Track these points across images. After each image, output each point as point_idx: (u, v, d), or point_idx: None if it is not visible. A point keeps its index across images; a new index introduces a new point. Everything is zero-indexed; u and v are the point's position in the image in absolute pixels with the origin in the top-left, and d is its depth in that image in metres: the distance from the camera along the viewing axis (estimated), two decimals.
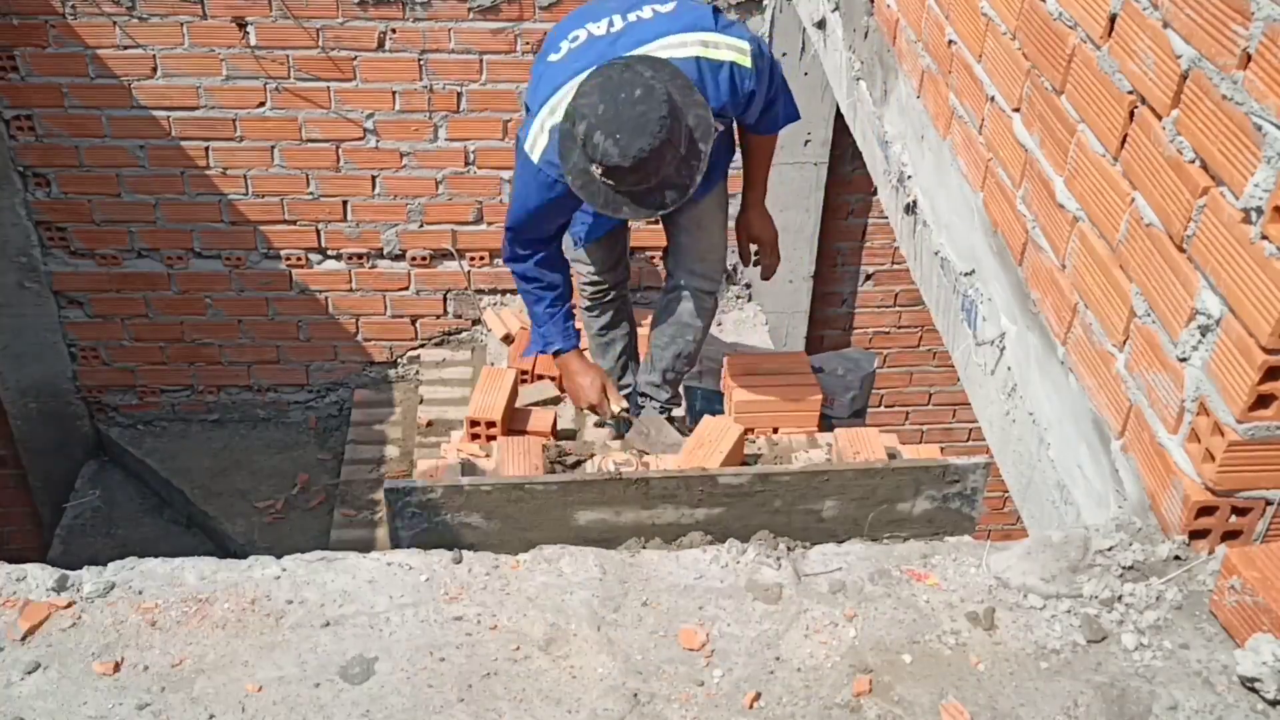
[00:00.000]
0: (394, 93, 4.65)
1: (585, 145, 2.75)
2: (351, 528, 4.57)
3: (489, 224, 5.00)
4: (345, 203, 4.91)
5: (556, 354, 3.54)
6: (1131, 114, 1.93)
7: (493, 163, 4.82)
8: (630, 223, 3.93)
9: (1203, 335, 1.73)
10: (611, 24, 3.05)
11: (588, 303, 3.93)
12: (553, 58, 3.12)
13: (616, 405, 3.60)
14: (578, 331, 3.57)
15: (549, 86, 3.06)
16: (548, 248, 3.35)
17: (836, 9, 3.86)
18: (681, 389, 4.07)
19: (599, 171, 2.79)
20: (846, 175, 5.17)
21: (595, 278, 3.85)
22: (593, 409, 3.63)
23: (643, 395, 3.89)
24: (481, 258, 5.08)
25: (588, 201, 2.90)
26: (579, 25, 3.13)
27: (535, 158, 3.05)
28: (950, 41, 2.83)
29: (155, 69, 4.54)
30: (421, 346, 5.32)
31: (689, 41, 2.94)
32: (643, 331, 4.44)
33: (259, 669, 1.64)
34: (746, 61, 3.01)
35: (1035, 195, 2.34)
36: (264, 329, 5.21)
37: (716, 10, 3.11)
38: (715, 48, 2.97)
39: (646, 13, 3.04)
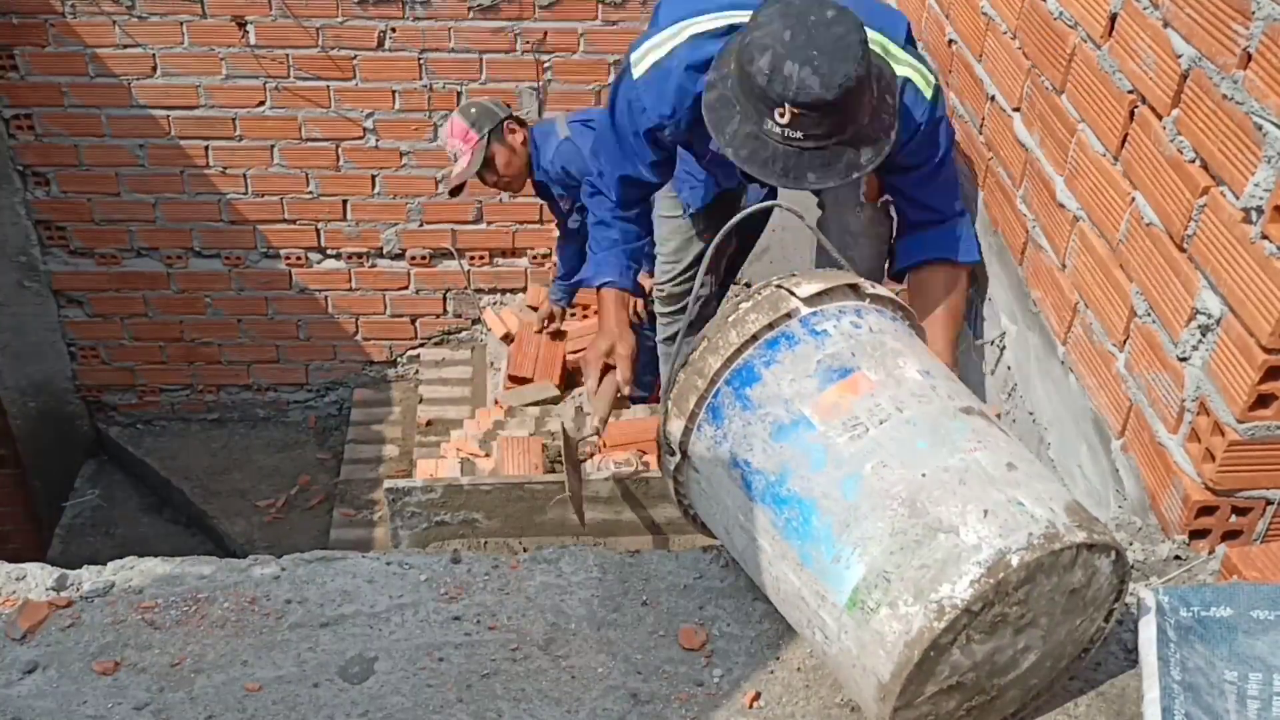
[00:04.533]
0: (394, 92, 4.65)
1: (771, 83, 2.20)
2: (351, 527, 4.57)
3: (489, 223, 5.00)
4: (345, 202, 4.91)
5: (600, 288, 2.89)
6: (1132, 113, 1.93)
7: None
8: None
9: (1203, 335, 1.73)
10: None
11: (663, 304, 3.56)
12: None
13: (599, 413, 2.93)
14: (636, 279, 2.96)
15: (693, 8, 2.55)
16: (637, 197, 2.81)
17: None
18: None
19: (784, 120, 2.23)
20: None
21: (674, 265, 3.41)
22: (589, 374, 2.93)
23: None
24: (481, 257, 5.08)
25: (758, 175, 2.33)
26: None
27: (636, 74, 2.54)
28: (950, 41, 2.83)
29: (155, 68, 4.54)
30: (421, 346, 5.32)
31: (871, 39, 2.37)
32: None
33: (258, 669, 1.64)
34: (926, 88, 2.45)
35: (1035, 194, 2.34)
36: (264, 328, 5.21)
37: (911, 28, 2.62)
38: (895, 58, 2.45)
39: None
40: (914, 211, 2.67)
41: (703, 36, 2.47)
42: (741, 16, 2.42)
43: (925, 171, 2.56)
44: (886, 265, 2.83)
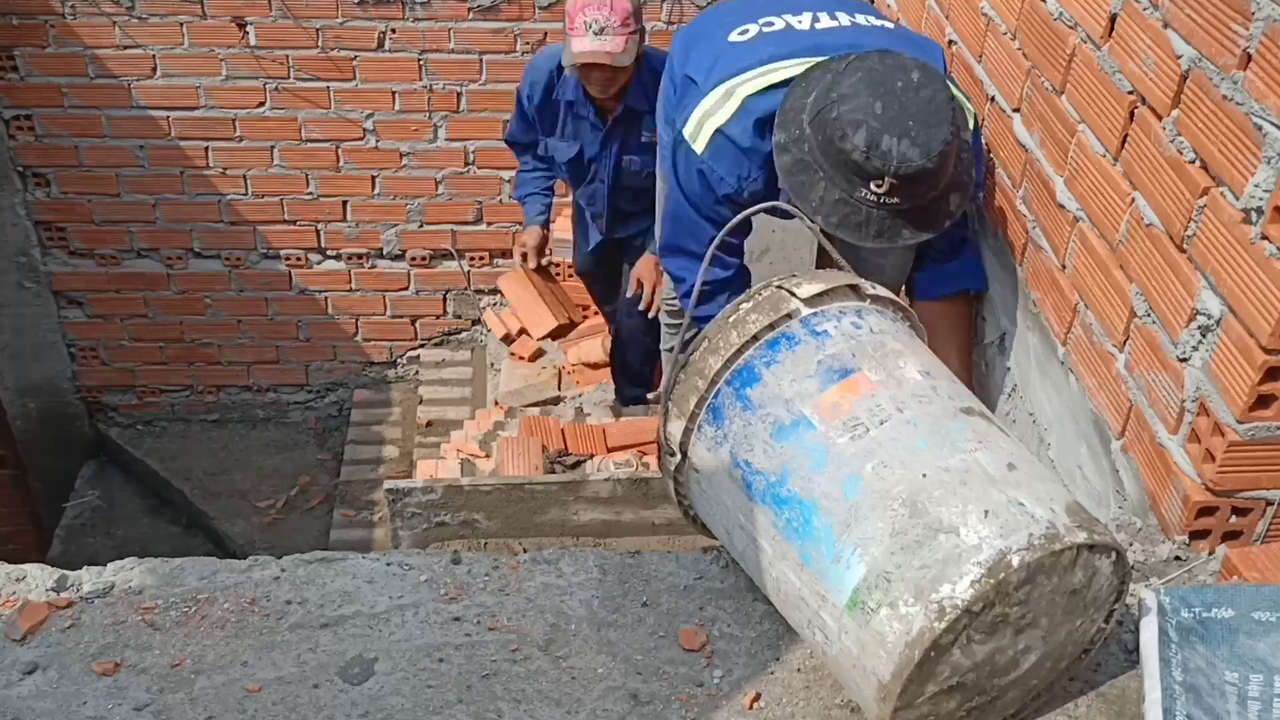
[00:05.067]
0: (394, 93, 4.65)
1: (869, 159, 2.16)
2: (351, 528, 4.57)
3: (489, 224, 5.00)
4: (345, 203, 4.91)
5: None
6: (1132, 114, 1.93)
7: (493, 163, 4.82)
8: None
9: (1203, 335, 1.73)
10: (816, 20, 2.53)
11: (672, 316, 3.59)
12: (737, 38, 2.57)
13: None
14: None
15: (731, 65, 2.51)
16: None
17: None
18: None
19: (882, 190, 2.19)
20: None
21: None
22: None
23: None
24: (481, 258, 5.08)
25: (851, 239, 2.25)
26: (770, 13, 2.60)
27: (699, 149, 2.50)
28: (950, 41, 2.83)
29: (155, 69, 4.54)
30: (421, 346, 5.32)
31: None
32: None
33: (258, 669, 1.64)
34: (970, 118, 2.42)
35: (1035, 195, 2.34)
36: (264, 329, 5.21)
37: (944, 56, 2.58)
38: None
39: (863, 20, 2.55)
40: (938, 240, 2.59)
41: (756, 96, 2.42)
42: (788, 69, 2.38)
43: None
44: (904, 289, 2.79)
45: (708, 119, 2.49)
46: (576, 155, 3.82)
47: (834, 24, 2.51)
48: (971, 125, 2.42)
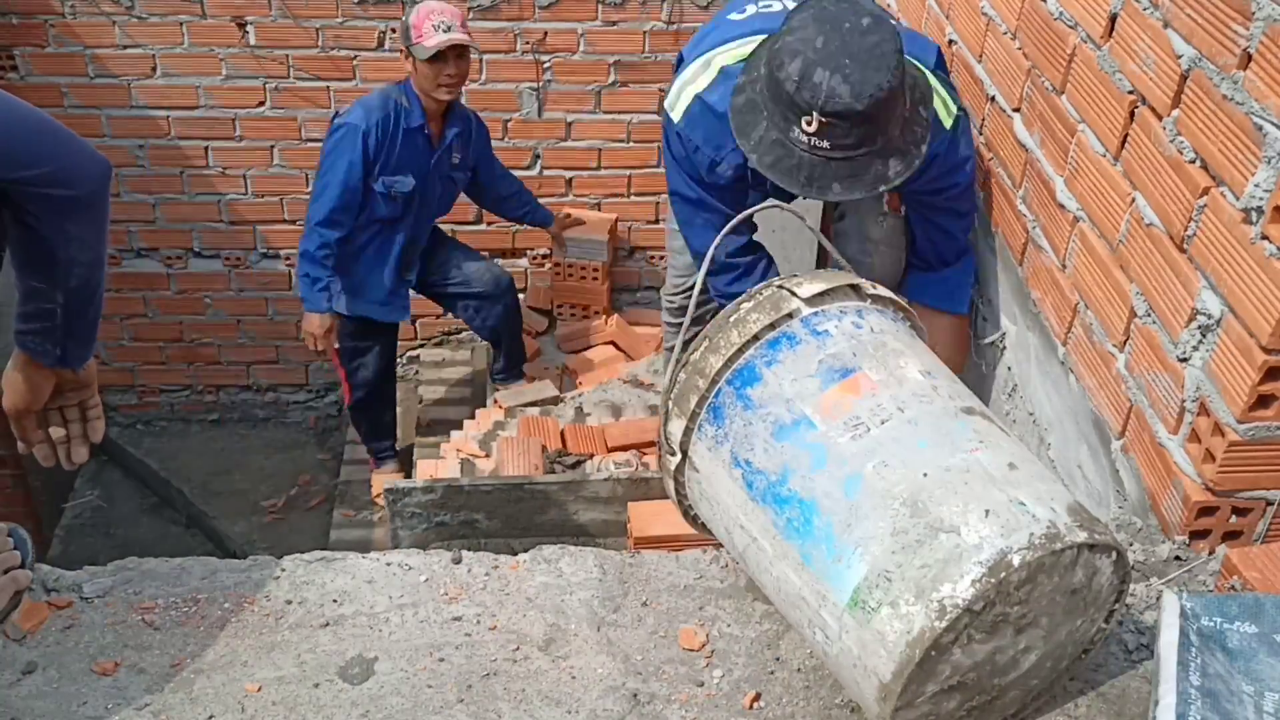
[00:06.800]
0: None
1: (800, 90, 2.12)
2: (351, 528, 4.57)
3: (489, 224, 5.00)
4: None
5: None
6: (1132, 114, 1.93)
7: None
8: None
9: (1203, 335, 1.73)
10: None
11: (672, 314, 3.48)
12: (734, 16, 2.60)
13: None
14: None
15: (717, 38, 2.54)
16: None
17: None
18: None
19: (811, 129, 2.16)
20: None
21: (685, 279, 3.31)
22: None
23: None
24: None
25: (782, 183, 2.24)
26: None
27: (676, 116, 2.52)
28: (950, 41, 2.83)
29: (155, 68, 4.54)
30: (421, 346, 5.32)
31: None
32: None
33: (258, 669, 1.64)
34: (947, 118, 2.41)
35: (1035, 195, 2.34)
36: (263, 329, 5.21)
37: (941, 55, 2.54)
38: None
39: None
40: (920, 240, 2.65)
41: (734, 66, 2.42)
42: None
43: (939, 201, 2.54)
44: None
45: (686, 87, 2.50)
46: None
47: None
48: (950, 125, 2.40)
